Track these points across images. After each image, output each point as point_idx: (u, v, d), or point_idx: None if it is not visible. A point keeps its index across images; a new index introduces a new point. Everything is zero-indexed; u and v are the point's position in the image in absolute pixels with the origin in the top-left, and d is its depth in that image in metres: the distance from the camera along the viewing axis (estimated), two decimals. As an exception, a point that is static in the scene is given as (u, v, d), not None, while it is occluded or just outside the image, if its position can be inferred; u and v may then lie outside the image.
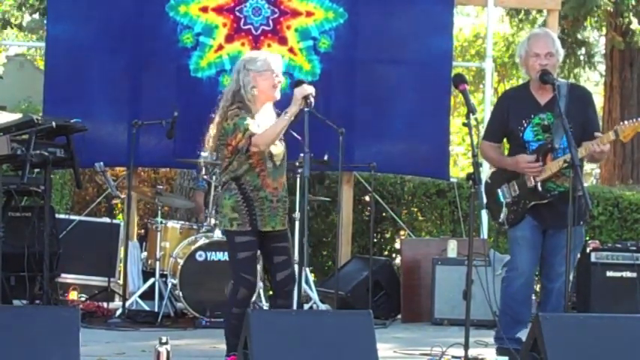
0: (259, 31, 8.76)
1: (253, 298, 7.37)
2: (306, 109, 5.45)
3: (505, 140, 6.24)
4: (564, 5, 12.62)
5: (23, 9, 15.11)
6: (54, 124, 7.16)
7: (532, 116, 5.99)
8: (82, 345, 4.78)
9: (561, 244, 5.64)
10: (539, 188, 5.92)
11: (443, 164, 9.10)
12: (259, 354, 4.78)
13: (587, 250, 8.24)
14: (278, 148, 5.67)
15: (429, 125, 9.00)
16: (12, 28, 15.86)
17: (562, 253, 5.60)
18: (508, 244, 6.36)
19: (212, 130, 5.72)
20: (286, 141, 5.72)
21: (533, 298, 7.32)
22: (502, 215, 6.08)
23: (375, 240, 10.13)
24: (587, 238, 8.42)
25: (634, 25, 13.65)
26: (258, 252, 5.75)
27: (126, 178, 8.59)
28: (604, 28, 15.17)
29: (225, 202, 5.64)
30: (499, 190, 6.11)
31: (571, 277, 5.82)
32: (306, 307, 7.74)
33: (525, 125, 5.99)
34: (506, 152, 6.29)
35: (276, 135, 5.52)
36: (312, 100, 5.50)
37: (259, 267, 7.60)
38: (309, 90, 5.50)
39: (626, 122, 5.77)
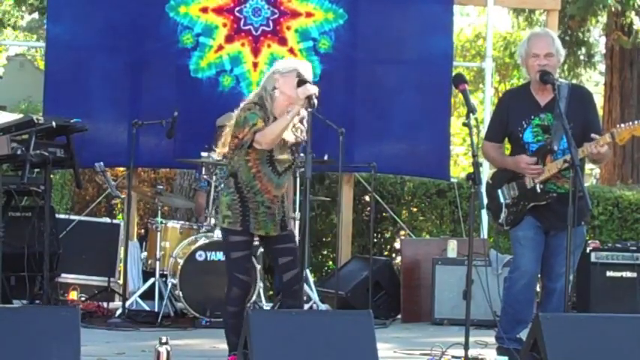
0: (259, 32, 8.76)
1: (253, 298, 7.39)
2: (309, 109, 5.41)
3: (507, 140, 6.24)
4: (571, 5, 12.62)
5: (23, 8, 15.11)
6: (54, 124, 7.17)
7: (532, 117, 5.97)
8: (82, 345, 4.78)
9: (563, 245, 5.63)
10: (539, 189, 5.91)
11: (443, 164, 9.10)
12: (259, 354, 4.78)
13: (587, 250, 8.24)
14: (283, 154, 5.59)
15: (430, 125, 9.00)
16: (5, 28, 15.87)
17: (563, 253, 5.59)
18: (510, 244, 6.36)
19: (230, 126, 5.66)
20: (297, 150, 5.68)
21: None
22: (502, 216, 6.09)
23: (375, 240, 10.14)
24: (587, 238, 8.42)
25: (637, 25, 13.66)
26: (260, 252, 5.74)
27: (126, 178, 8.59)
28: (604, 29, 15.19)
29: (222, 198, 5.65)
30: (499, 191, 6.11)
31: (571, 278, 5.82)
32: (306, 307, 7.74)
33: (525, 126, 5.98)
34: (507, 153, 6.28)
35: (277, 134, 5.46)
36: (316, 100, 5.45)
37: (259, 267, 7.63)
38: (312, 90, 5.45)
39: (622, 125, 5.76)
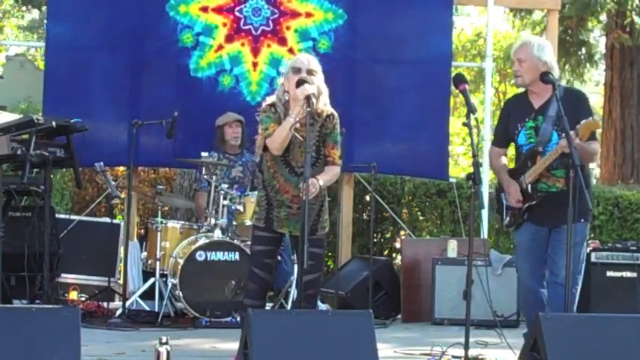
0: (259, 32, 8.76)
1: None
2: (307, 109, 5.44)
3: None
4: (569, 6, 12.62)
5: (24, 8, 15.11)
6: (54, 124, 7.17)
7: (526, 120, 6.02)
8: (82, 345, 4.78)
9: (562, 241, 5.69)
10: (530, 190, 5.93)
11: (442, 165, 9.10)
12: (259, 354, 4.78)
13: (588, 250, 8.24)
14: (302, 155, 5.53)
15: (429, 126, 9.00)
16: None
17: (563, 249, 5.63)
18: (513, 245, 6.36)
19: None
20: (318, 150, 5.65)
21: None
22: (506, 219, 6.12)
23: (375, 240, 10.14)
24: (587, 239, 8.42)
25: (638, 23, 13.66)
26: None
27: (126, 178, 8.59)
28: (605, 29, 15.19)
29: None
30: (502, 194, 6.14)
31: (579, 276, 5.86)
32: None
33: (520, 129, 6.04)
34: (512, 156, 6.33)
35: (282, 138, 5.50)
36: (314, 100, 5.49)
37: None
38: (311, 90, 5.49)
39: (583, 121, 5.73)
